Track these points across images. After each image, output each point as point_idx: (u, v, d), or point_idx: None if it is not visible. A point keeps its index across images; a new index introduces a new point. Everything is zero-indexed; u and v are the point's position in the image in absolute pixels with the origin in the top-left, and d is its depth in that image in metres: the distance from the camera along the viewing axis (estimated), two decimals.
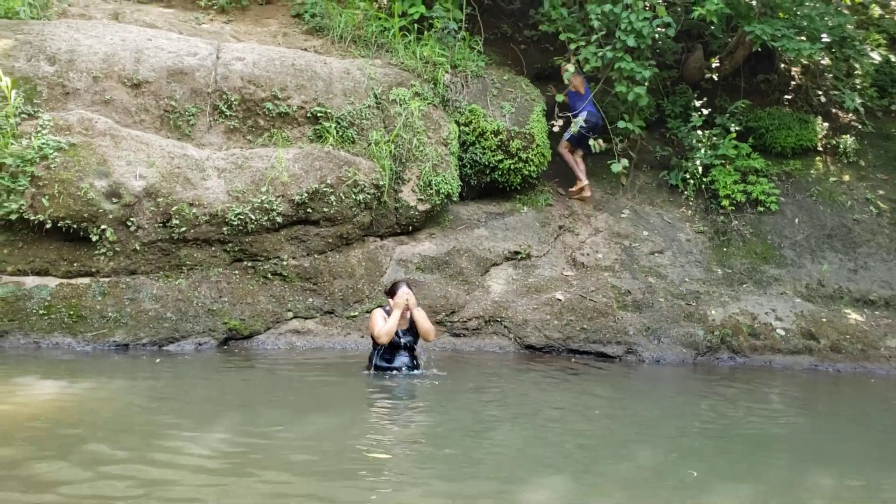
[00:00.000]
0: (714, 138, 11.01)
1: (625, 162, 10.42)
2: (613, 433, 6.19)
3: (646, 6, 10.29)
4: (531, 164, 10.09)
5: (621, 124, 10.50)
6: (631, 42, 10.01)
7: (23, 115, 7.99)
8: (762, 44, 10.47)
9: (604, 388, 7.89)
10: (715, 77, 11.67)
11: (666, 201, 11.00)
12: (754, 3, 10.73)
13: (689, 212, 10.93)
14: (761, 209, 10.85)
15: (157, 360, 7.49)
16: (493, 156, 9.99)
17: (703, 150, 10.91)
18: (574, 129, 10.23)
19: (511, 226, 9.96)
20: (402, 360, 7.39)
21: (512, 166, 10.02)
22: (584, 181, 10.57)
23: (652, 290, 9.79)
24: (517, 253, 9.72)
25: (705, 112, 11.14)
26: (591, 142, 10.24)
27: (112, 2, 10.31)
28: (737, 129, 11.05)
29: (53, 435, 5.26)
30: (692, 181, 10.99)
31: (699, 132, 11.01)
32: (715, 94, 11.67)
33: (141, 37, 8.97)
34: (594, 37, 10.13)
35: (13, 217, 7.67)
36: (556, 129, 10.25)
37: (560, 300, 9.39)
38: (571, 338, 9.20)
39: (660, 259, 10.24)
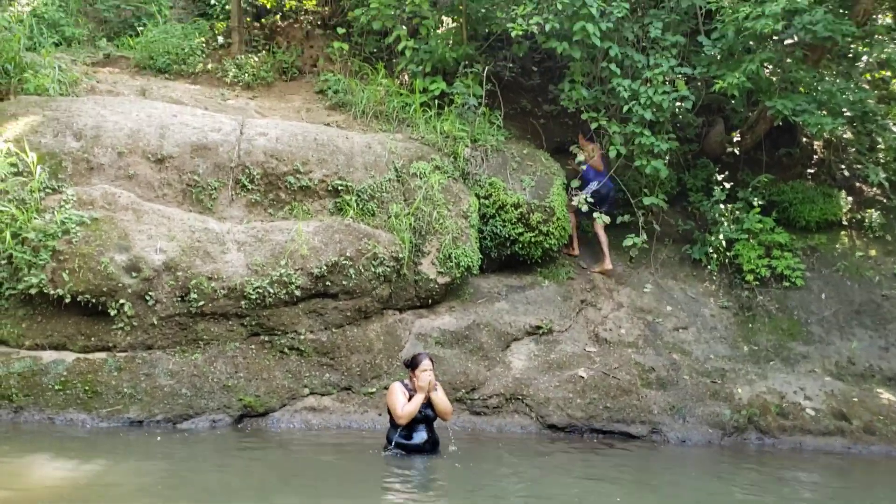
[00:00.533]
0: (737, 212, 10.91)
1: (643, 237, 10.33)
2: None
3: (665, 80, 10.34)
4: (552, 237, 10.03)
5: (646, 200, 10.44)
6: (648, 116, 10.04)
7: (47, 190, 8.08)
8: (783, 118, 10.45)
9: (628, 471, 7.64)
10: (737, 151, 11.64)
11: (689, 276, 10.85)
12: (775, 78, 10.76)
13: (713, 286, 10.76)
14: (787, 284, 10.66)
15: (158, 439, 7.35)
16: (514, 228, 9.94)
17: (726, 225, 10.80)
18: (582, 205, 10.20)
19: (532, 299, 9.83)
20: (421, 435, 7.23)
21: (532, 239, 9.96)
22: (577, 251, 10.62)
23: (676, 367, 9.57)
24: (539, 328, 9.57)
25: (727, 186, 11.07)
26: (595, 215, 10.23)
27: (140, 78, 10.55)
28: (760, 203, 10.95)
29: None
30: (716, 255, 10.85)
31: (722, 206, 10.92)
32: (737, 168, 11.62)
33: (166, 113, 9.11)
34: (624, 108, 10.15)
35: (33, 291, 7.68)
36: (574, 202, 10.24)
37: (583, 377, 9.19)
38: (595, 417, 8.97)
39: (684, 335, 10.04)
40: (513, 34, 10.11)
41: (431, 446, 7.27)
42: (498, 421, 8.80)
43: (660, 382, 9.37)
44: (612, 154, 10.24)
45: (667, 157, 10.32)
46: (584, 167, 10.56)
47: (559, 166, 10.61)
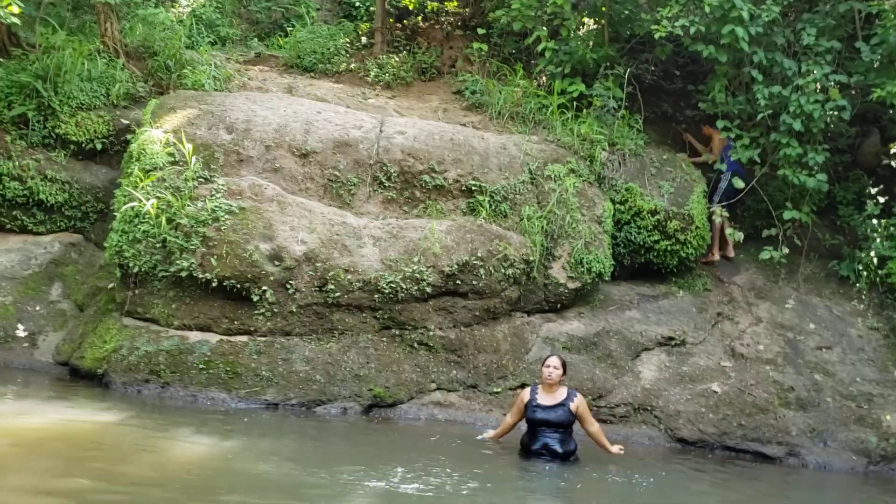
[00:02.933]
0: (891, 228, 10.22)
1: (784, 251, 9.84)
2: None
3: (817, 88, 9.83)
4: (689, 246, 9.72)
5: (787, 214, 9.95)
6: (797, 126, 9.57)
7: (200, 179, 8.52)
8: None
9: (764, 495, 7.28)
10: (893, 164, 10.92)
11: (835, 293, 10.25)
12: None
13: (862, 306, 10.12)
14: None
15: (292, 421, 7.60)
16: (649, 236, 9.70)
17: (878, 241, 10.13)
18: (719, 212, 9.91)
19: (665, 310, 9.55)
20: (544, 440, 7.17)
21: (668, 247, 9.68)
22: (717, 256, 10.23)
23: (818, 388, 9.06)
24: (671, 338, 9.29)
25: (882, 200, 10.39)
26: (716, 210, 9.91)
27: (287, 76, 10.99)
28: None
29: (205, 487, 5.43)
30: (865, 273, 10.19)
31: (875, 221, 10.25)
32: (893, 182, 10.90)
33: (311, 110, 9.44)
34: (759, 116, 9.74)
35: (183, 274, 8.12)
36: (715, 216, 9.91)
37: (716, 392, 8.85)
38: (727, 433, 8.62)
39: (827, 355, 9.49)
40: (656, 36, 9.87)
41: (551, 453, 7.16)
42: (625, 430, 8.60)
43: (799, 403, 8.90)
44: (745, 159, 9.84)
45: (816, 170, 9.79)
46: (721, 162, 10.20)
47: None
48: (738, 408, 8.75)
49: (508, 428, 7.48)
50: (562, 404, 7.21)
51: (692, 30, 9.63)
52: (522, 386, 8.63)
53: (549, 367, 7.30)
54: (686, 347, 9.26)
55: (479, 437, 7.60)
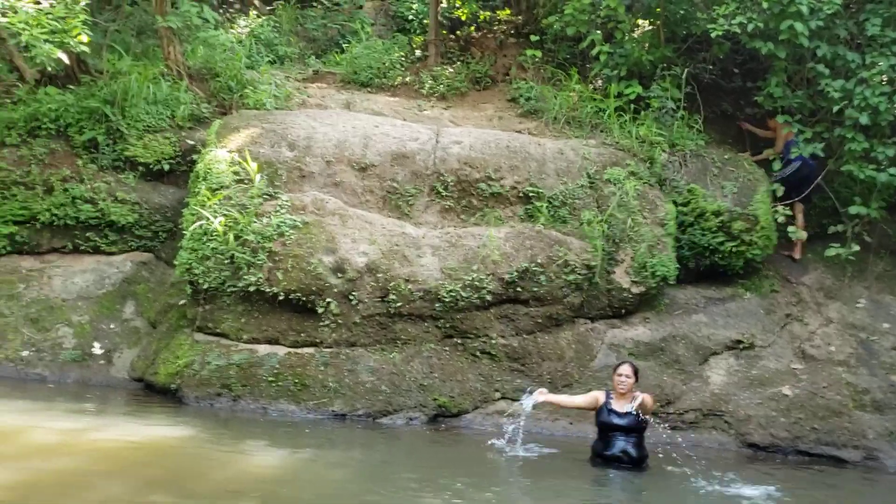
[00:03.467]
0: None
1: (852, 248, 9.57)
2: None
3: (883, 80, 9.56)
4: (755, 246, 9.52)
5: (853, 209, 9.68)
6: (864, 120, 9.32)
7: (265, 196, 8.72)
8: None
9: (843, 500, 7.09)
10: None
11: None
12: None
13: None
14: None
15: (360, 432, 7.68)
16: (714, 237, 9.53)
17: None
18: (778, 190, 9.75)
19: (732, 312, 9.37)
20: (619, 445, 7.14)
21: (734, 249, 9.51)
22: (796, 252, 10.00)
23: (895, 389, 8.78)
24: (739, 342, 9.11)
25: None
26: (791, 229, 9.70)
27: (345, 92, 11.17)
28: None
29: (278, 498, 5.53)
30: None
31: None
32: None
33: (369, 124, 9.58)
34: (835, 109, 9.51)
35: (251, 289, 8.31)
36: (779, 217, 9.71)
37: (787, 395, 8.65)
38: (801, 438, 8.42)
39: None
40: (713, 35, 9.73)
41: (629, 459, 7.13)
42: (694, 436, 8.47)
43: (875, 405, 8.64)
44: (807, 153, 9.61)
45: (886, 164, 9.51)
46: (781, 156, 10.01)
47: (763, 172, 10.06)
48: (811, 411, 8.54)
49: (570, 405, 7.60)
50: (635, 411, 7.18)
51: (750, 27, 9.47)
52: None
53: (620, 375, 7.30)
54: (755, 350, 9.07)
55: (529, 390, 7.53)
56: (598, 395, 7.41)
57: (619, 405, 7.23)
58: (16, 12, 7.98)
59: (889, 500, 7.42)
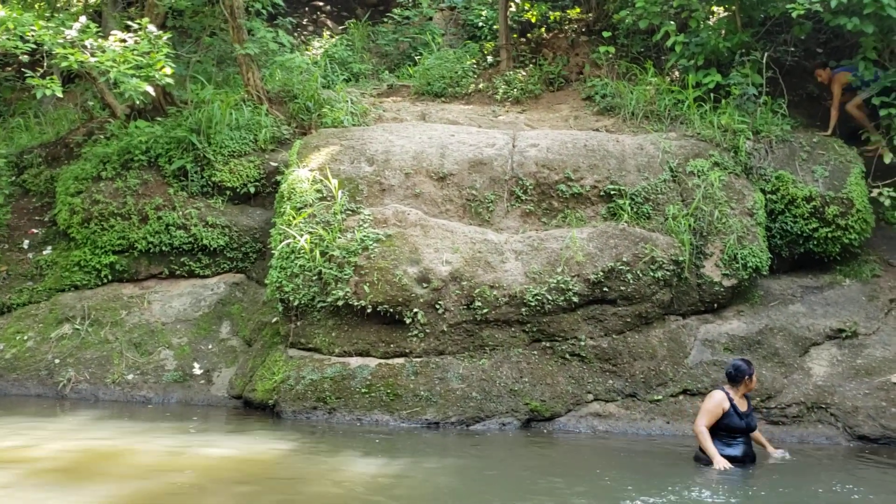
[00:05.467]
0: None
1: None
2: None
3: None
4: (851, 231, 9.13)
5: None
6: None
7: (347, 212, 8.88)
8: None
9: None
10: None
11: None
12: None
13: None
14: None
15: (453, 439, 7.70)
16: (807, 224, 9.19)
17: None
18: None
19: (831, 300, 9.00)
20: (745, 448, 6.96)
21: (829, 235, 9.14)
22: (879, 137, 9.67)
23: None
24: (841, 331, 8.74)
25: None
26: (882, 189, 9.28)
27: (419, 104, 11.29)
28: None
29: None
30: None
31: None
32: None
33: (445, 133, 9.64)
34: None
35: (340, 303, 8.46)
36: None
37: None
38: None
39: None
40: (794, 15, 9.40)
41: (752, 459, 6.98)
42: (799, 431, 8.17)
43: None
44: None
45: None
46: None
47: (856, 153, 9.66)
48: None
49: (708, 437, 6.90)
50: (753, 409, 7.07)
51: (833, 3, 9.11)
52: (685, 392, 8.41)
53: (754, 381, 7.14)
54: (859, 339, 8.69)
55: (719, 466, 6.78)
56: (721, 402, 6.92)
57: (741, 404, 7.03)
58: (104, 51, 8.37)
59: None
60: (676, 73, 10.77)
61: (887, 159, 9.45)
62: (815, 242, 9.23)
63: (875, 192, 9.37)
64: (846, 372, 8.44)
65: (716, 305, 8.91)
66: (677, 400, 8.40)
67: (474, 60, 12.13)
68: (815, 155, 9.57)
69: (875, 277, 9.30)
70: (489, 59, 12.22)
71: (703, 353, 8.52)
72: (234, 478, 6.26)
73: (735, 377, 7.05)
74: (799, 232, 9.24)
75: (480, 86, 11.68)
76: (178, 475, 6.24)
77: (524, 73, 11.69)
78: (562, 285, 8.50)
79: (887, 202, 9.31)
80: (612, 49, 11.10)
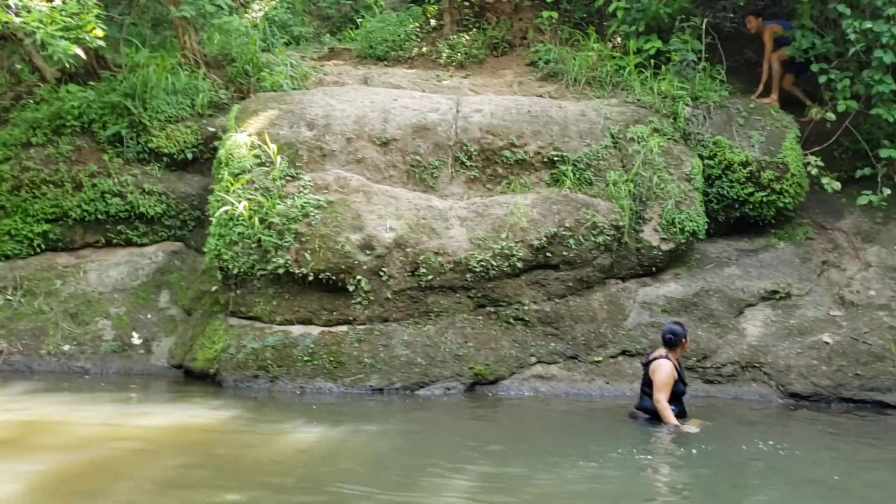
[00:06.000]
0: None
1: (886, 192, 9.38)
2: None
3: None
4: (786, 195, 9.36)
5: (884, 152, 9.46)
6: (888, 59, 9.08)
7: (287, 178, 8.74)
8: None
9: (889, 442, 7.00)
10: None
11: None
12: None
13: None
14: None
15: (397, 405, 7.75)
16: (743, 189, 9.39)
17: None
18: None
19: (766, 263, 9.25)
20: (680, 409, 7.20)
21: (764, 199, 9.36)
22: (774, 97, 10.09)
23: None
24: (775, 292, 8.99)
25: None
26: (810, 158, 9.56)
27: (361, 67, 11.13)
28: None
29: (318, 473, 5.63)
30: None
31: None
32: None
33: (388, 98, 9.53)
34: (850, 52, 9.26)
35: (280, 271, 8.37)
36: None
37: (828, 343, 8.53)
38: (843, 385, 8.32)
39: None
40: None
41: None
42: (734, 389, 8.43)
43: None
44: (841, 109, 9.38)
45: None
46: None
47: (792, 118, 9.87)
48: (853, 357, 8.42)
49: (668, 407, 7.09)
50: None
51: None
52: (624, 353, 8.59)
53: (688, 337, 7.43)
54: (792, 300, 8.95)
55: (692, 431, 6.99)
56: (672, 370, 7.10)
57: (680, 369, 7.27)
58: (29, 11, 8.03)
59: None
60: (618, 40, 10.81)
61: (830, 119, 9.63)
62: (751, 206, 9.44)
63: (805, 161, 9.59)
64: (779, 332, 8.70)
65: (654, 269, 9.08)
66: (617, 361, 8.56)
67: (417, 24, 11.99)
68: (752, 120, 9.75)
69: (808, 240, 9.57)
70: (432, 22, 12.09)
71: (642, 316, 8.70)
72: (174, 447, 6.21)
73: (673, 341, 7.23)
74: (735, 196, 9.44)
75: (424, 49, 11.57)
76: (117, 445, 6.17)
77: (468, 38, 11.60)
78: (506, 251, 8.55)
79: (815, 171, 9.55)
80: (555, 14, 11.07)
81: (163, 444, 6.27)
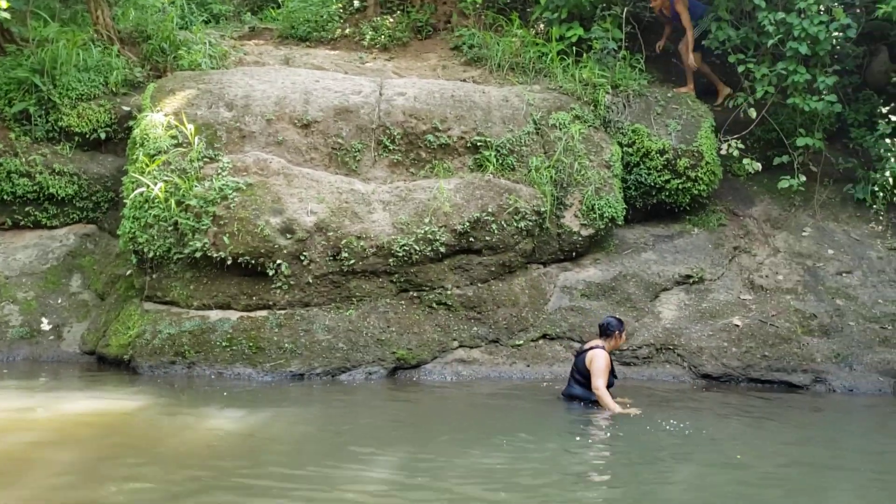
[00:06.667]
0: None
1: (801, 179, 9.77)
2: (806, 475, 5.69)
3: (820, 10, 9.63)
4: (700, 182, 9.64)
5: (800, 141, 9.84)
6: (804, 50, 9.42)
7: (205, 159, 8.53)
8: None
9: (792, 421, 7.33)
10: None
11: (852, 217, 10.16)
12: None
13: (880, 227, 10.03)
14: None
15: (318, 391, 7.71)
16: (660, 176, 9.63)
17: (893, 160, 10.00)
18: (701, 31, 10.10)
19: (681, 248, 9.52)
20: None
21: (680, 186, 9.62)
22: (691, 87, 10.41)
23: (840, 313, 9.03)
24: (689, 277, 9.27)
25: (893, 119, 10.22)
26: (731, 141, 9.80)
27: (283, 48, 10.92)
28: None
29: (233, 459, 5.55)
30: (882, 194, 10.10)
31: (888, 141, 10.11)
32: None
33: (309, 79, 9.38)
34: (768, 43, 9.57)
35: (198, 255, 8.17)
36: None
37: (738, 326, 8.85)
38: (752, 366, 8.64)
39: (848, 279, 9.44)
40: None
41: None
42: (649, 371, 8.66)
43: (823, 329, 8.89)
44: (759, 95, 9.71)
45: (826, 93, 9.65)
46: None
47: (707, 108, 10.15)
48: (761, 339, 8.75)
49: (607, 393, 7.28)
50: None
51: None
52: (544, 336, 8.72)
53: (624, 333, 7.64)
54: (705, 284, 9.24)
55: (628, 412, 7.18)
56: (608, 360, 7.31)
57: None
58: None
59: (835, 418, 7.65)
60: (541, 26, 10.91)
61: (751, 116, 9.94)
62: (667, 193, 9.69)
63: (724, 145, 9.89)
64: (692, 315, 8.97)
65: (574, 254, 9.24)
66: (537, 344, 8.70)
67: (341, 5, 11.83)
68: (669, 109, 9.99)
69: (721, 226, 9.88)
70: (356, 3, 11.93)
71: (562, 300, 8.84)
72: (89, 434, 6.02)
73: (607, 331, 7.47)
74: (652, 183, 9.66)
75: (347, 31, 11.43)
76: (29, 434, 5.95)
77: (392, 20, 11.51)
78: (429, 236, 8.55)
79: (735, 153, 9.85)
80: None
81: (77, 432, 6.07)
